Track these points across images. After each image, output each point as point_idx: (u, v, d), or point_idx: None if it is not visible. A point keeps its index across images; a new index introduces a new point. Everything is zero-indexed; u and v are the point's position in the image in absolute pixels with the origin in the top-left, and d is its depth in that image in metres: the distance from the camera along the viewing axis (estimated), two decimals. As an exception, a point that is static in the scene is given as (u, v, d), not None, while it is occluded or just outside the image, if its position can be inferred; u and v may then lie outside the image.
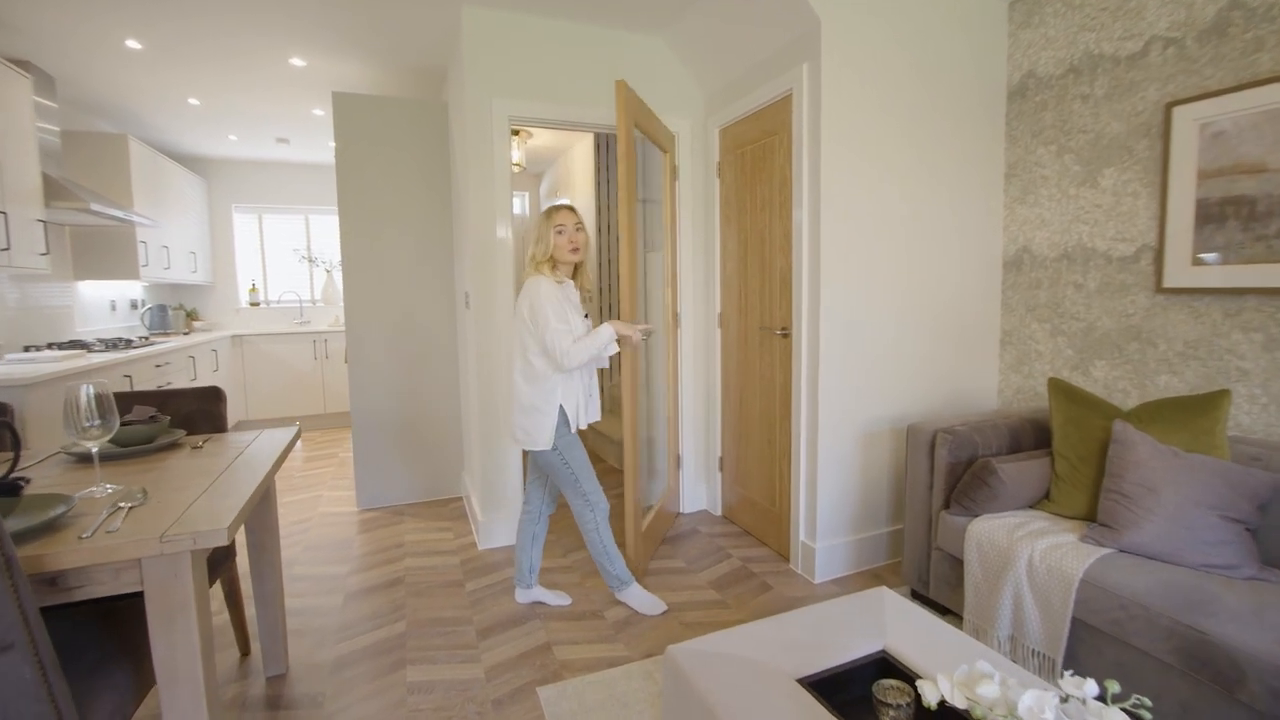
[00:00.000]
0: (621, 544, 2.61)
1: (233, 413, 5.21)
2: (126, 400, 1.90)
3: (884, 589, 1.70)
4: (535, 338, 2.17)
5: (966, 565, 2.03)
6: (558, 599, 2.44)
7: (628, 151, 2.50)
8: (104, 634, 1.32)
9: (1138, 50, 2.31)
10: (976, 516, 2.08)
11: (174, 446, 1.78)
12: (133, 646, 1.31)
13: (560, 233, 2.22)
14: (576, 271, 2.33)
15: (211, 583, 1.89)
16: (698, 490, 3.45)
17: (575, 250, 2.23)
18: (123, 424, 1.71)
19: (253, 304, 6.02)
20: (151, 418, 1.77)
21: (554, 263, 2.24)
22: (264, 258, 6.15)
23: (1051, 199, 2.65)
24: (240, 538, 2.01)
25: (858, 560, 2.68)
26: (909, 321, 2.71)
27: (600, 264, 5.06)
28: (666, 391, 3.31)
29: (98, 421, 1.36)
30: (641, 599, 2.37)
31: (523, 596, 2.46)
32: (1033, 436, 2.31)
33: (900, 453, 2.74)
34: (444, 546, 3.02)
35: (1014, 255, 2.83)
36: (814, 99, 2.47)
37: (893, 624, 1.56)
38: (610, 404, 4.64)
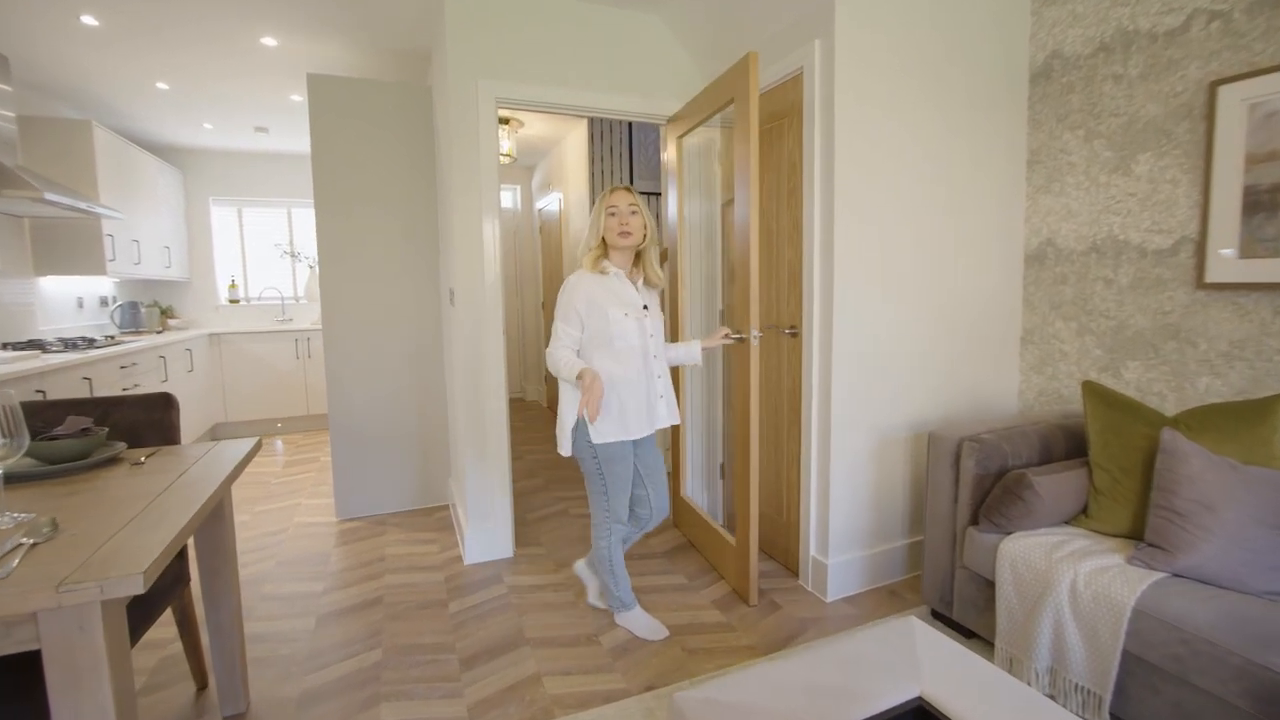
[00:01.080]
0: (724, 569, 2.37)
1: (210, 415, 4.98)
2: (60, 408, 1.69)
3: (913, 619, 1.52)
4: None
5: (999, 588, 1.85)
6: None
7: (752, 134, 2.26)
8: (8, 692, 1.11)
9: (1178, 25, 2.13)
10: (1009, 534, 1.89)
11: (111, 463, 1.57)
12: (43, 706, 1.10)
13: (612, 214, 2.08)
14: (639, 261, 2.17)
15: (161, 611, 1.69)
16: (699, 498, 3.26)
17: (625, 234, 2.07)
18: (51, 438, 1.51)
19: (232, 301, 5.78)
20: (84, 430, 1.56)
21: (605, 248, 2.11)
22: (244, 252, 5.90)
23: (1079, 187, 2.47)
24: (193, 552, 1.80)
25: (873, 576, 2.50)
26: (927, 319, 2.52)
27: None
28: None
29: (2, 440, 1.16)
30: (642, 623, 2.18)
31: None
32: (1064, 444, 2.13)
33: (917, 459, 2.56)
34: (427, 561, 2.82)
35: (1037, 248, 2.65)
36: (827, 78, 2.27)
37: (926, 662, 1.37)
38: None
